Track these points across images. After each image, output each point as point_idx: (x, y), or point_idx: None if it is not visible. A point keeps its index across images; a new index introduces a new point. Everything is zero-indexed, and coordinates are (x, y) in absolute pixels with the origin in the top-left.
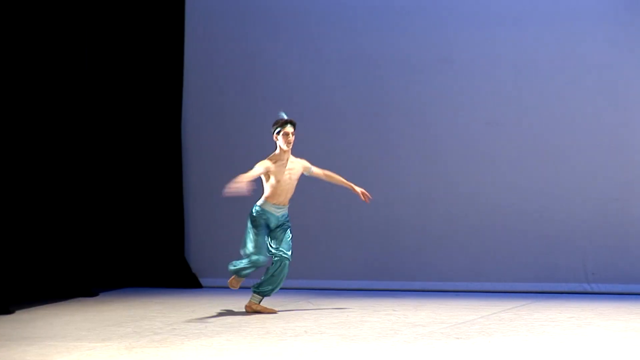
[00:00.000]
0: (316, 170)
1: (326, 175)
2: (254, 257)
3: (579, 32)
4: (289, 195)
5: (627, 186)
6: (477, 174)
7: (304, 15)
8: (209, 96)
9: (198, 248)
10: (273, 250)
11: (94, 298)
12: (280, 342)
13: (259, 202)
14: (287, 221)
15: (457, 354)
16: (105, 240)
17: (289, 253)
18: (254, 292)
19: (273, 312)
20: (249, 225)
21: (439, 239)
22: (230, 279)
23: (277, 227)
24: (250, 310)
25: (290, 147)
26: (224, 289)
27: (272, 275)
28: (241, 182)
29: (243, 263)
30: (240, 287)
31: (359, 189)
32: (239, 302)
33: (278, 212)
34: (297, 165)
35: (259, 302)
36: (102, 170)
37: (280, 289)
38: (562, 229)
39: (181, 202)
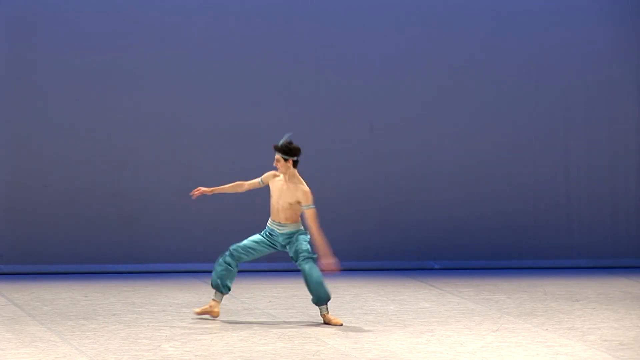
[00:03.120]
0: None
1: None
2: (232, 247)
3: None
4: (282, 216)
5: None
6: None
7: None
8: None
9: None
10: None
11: None
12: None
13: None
14: (298, 236)
15: None
16: None
17: (303, 255)
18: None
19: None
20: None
21: None
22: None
23: (287, 245)
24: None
25: (282, 171)
26: None
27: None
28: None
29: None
30: None
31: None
32: None
33: (280, 230)
34: (292, 191)
35: (327, 312)
36: None
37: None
38: None
39: None
